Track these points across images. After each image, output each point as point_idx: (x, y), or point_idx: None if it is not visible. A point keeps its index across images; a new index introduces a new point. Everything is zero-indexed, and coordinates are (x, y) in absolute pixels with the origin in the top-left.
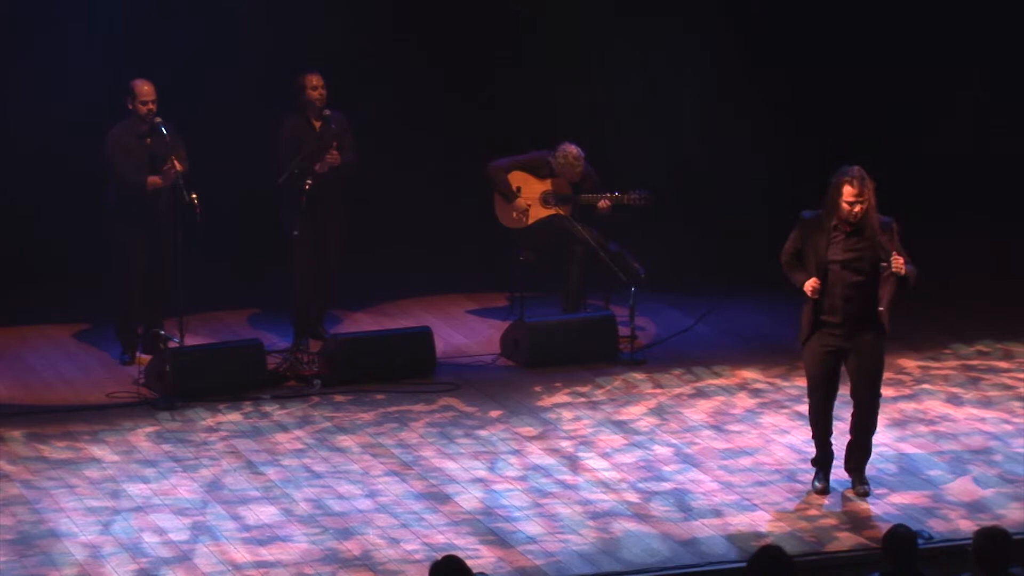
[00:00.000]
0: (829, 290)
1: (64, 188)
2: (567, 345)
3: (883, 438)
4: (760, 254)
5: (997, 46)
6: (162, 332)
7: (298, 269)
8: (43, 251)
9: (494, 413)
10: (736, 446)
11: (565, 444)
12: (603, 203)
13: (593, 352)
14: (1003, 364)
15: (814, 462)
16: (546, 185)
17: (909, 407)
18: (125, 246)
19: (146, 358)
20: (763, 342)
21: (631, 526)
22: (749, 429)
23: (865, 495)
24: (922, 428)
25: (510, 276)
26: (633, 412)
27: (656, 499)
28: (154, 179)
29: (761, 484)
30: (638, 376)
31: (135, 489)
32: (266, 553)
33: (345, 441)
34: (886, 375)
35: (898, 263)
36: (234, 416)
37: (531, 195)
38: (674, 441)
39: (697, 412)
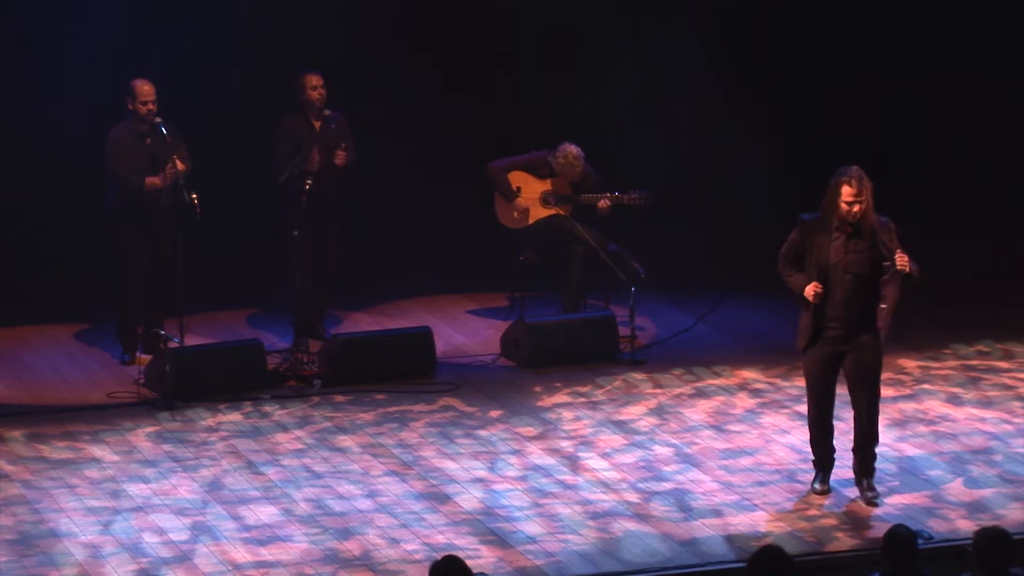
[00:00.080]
0: (831, 292)
1: (64, 188)
2: (567, 345)
3: (883, 438)
4: (760, 254)
5: (997, 46)
6: (162, 332)
7: (298, 269)
8: (43, 251)
9: (494, 413)
10: (736, 446)
11: (565, 444)
12: (603, 203)
13: (593, 352)
14: (1003, 364)
15: (814, 463)
16: (546, 185)
17: (909, 407)
18: (125, 246)
19: (146, 358)
20: (763, 342)
21: (631, 526)
22: (749, 429)
23: (874, 501)
24: (922, 428)
25: (510, 276)
26: (633, 412)
27: (656, 499)
28: (152, 180)
29: (761, 484)
30: (638, 376)
31: (135, 489)
32: (266, 553)
33: (345, 441)
34: (886, 375)
35: (903, 260)
36: (234, 416)
37: (531, 195)
38: (674, 441)
39: (697, 412)
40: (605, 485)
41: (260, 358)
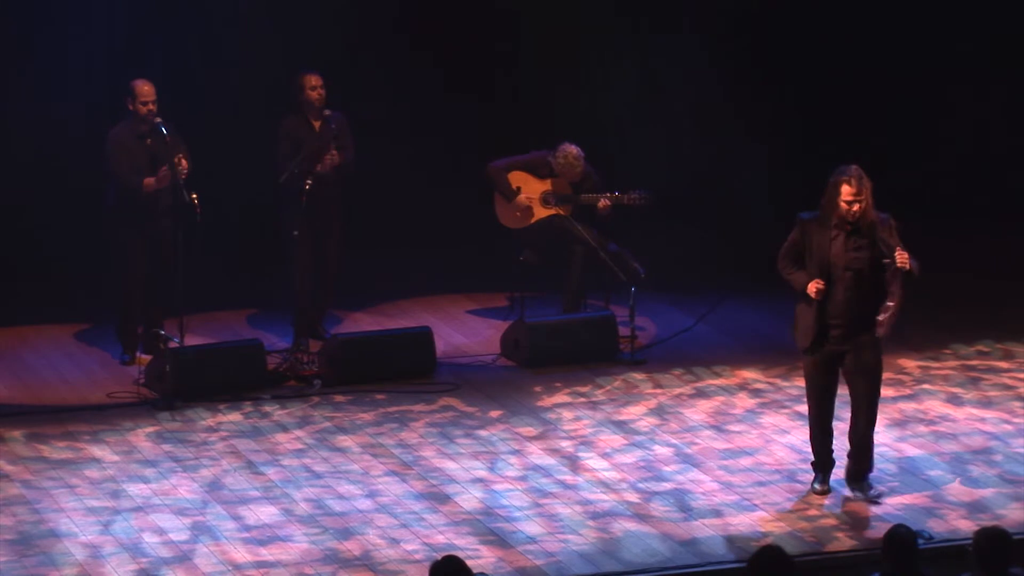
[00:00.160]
0: (832, 290)
1: (64, 188)
2: (567, 345)
3: (883, 438)
4: (760, 254)
5: (997, 46)
6: (162, 332)
7: (298, 269)
8: (44, 251)
9: (494, 413)
10: (736, 446)
11: (565, 444)
12: (603, 203)
13: (593, 352)
14: (1003, 364)
15: (814, 465)
16: (546, 185)
17: (909, 407)
18: (125, 246)
19: (146, 358)
20: (763, 342)
21: (631, 526)
22: (749, 429)
23: (876, 499)
24: (922, 428)
25: (510, 276)
26: (633, 412)
27: (656, 499)
28: (148, 181)
29: (761, 484)
30: (638, 376)
31: (135, 489)
32: (266, 553)
33: (345, 441)
34: (886, 375)
35: (902, 258)
36: (234, 416)
37: (531, 195)
38: (674, 441)
39: (697, 412)
40: (605, 485)
41: (260, 358)
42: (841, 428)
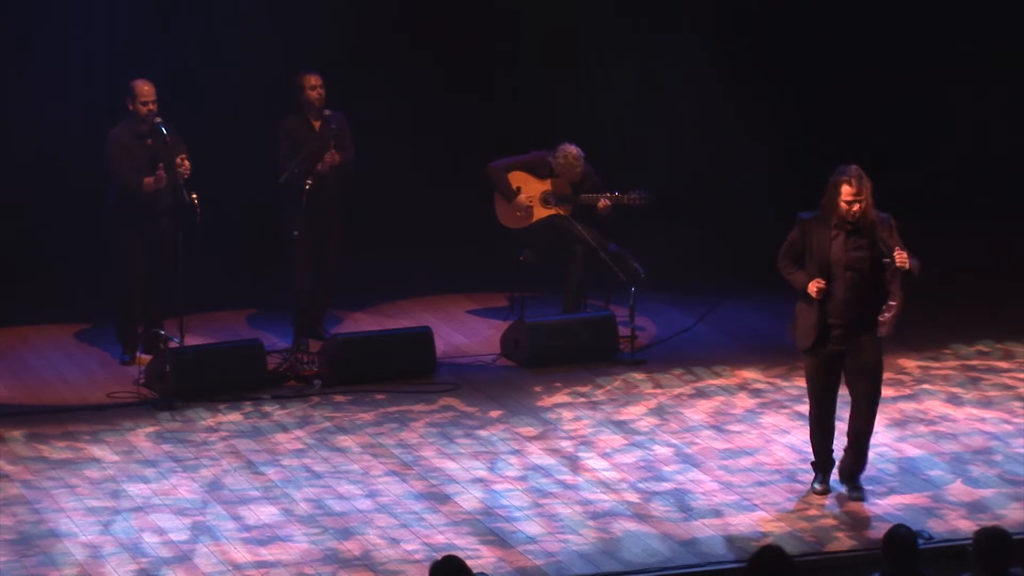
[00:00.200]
0: (832, 290)
1: (64, 188)
2: (567, 345)
3: (883, 438)
4: (760, 254)
5: (997, 46)
6: (162, 332)
7: (298, 269)
8: (43, 251)
9: (494, 413)
10: (736, 446)
11: (565, 444)
12: (603, 203)
13: (593, 352)
14: (1003, 364)
15: (814, 464)
16: (546, 185)
17: (909, 407)
18: (125, 246)
19: (146, 358)
20: (763, 342)
21: (631, 526)
22: (749, 429)
23: (861, 498)
24: (922, 428)
25: (510, 276)
26: (633, 412)
27: (656, 499)
28: (147, 180)
29: (761, 484)
30: (638, 376)
31: (135, 489)
32: (266, 553)
33: (345, 441)
34: (886, 375)
35: (901, 257)
36: (234, 416)
37: (531, 195)
38: (674, 441)
39: (697, 412)
40: (605, 485)
41: (260, 358)
42: (841, 428)
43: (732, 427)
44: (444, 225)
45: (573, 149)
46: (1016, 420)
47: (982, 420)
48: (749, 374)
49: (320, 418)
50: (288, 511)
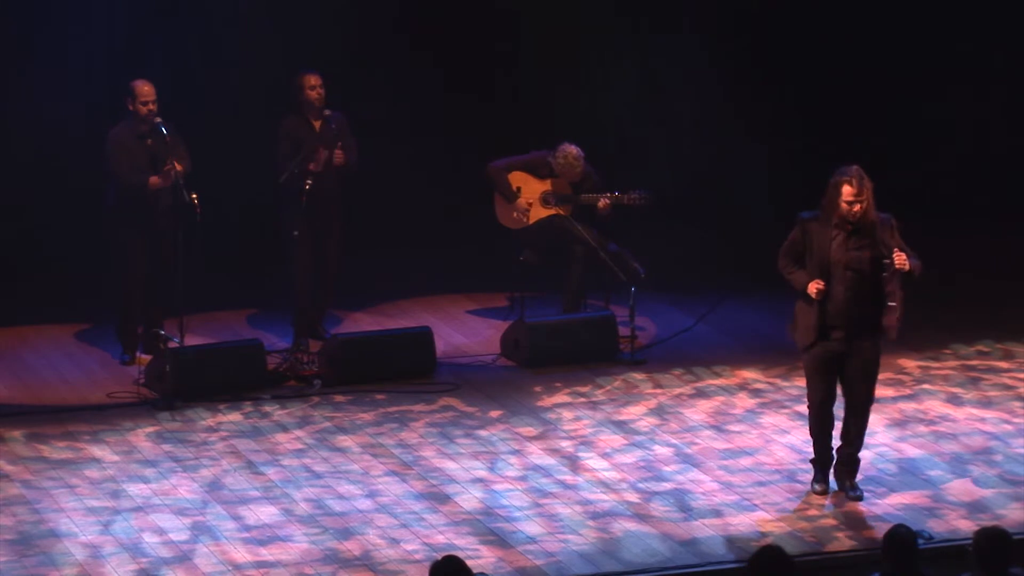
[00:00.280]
0: (832, 290)
1: (64, 188)
2: (567, 345)
3: (883, 438)
4: (760, 254)
5: (997, 46)
6: (162, 332)
7: (298, 269)
8: (43, 251)
9: (494, 413)
10: (736, 446)
11: (565, 444)
12: (603, 203)
13: (593, 352)
14: (1003, 364)
15: (814, 463)
16: (546, 185)
17: (909, 407)
18: (125, 246)
19: (146, 358)
20: (763, 342)
21: (631, 526)
22: (749, 429)
23: (858, 497)
24: (922, 428)
25: (510, 276)
26: (633, 412)
27: (656, 499)
28: (154, 179)
29: (761, 484)
30: (638, 376)
31: (135, 489)
32: (266, 553)
33: (345, 441)
34: (886, 375)
35: (900, 259)
36: (234, 416)
37: (531, 195)
38: (674, 441)
39: (697, 412)
40: (605, 485)
41: (260, 358)
42: (836, 427)
43: (732, 427)
44: (444, 225)
45: (573, 149)
46: (1016, 420)
47: (982, 420)
48: (749, 374)
49: (320, 418)
50: (288, 511)
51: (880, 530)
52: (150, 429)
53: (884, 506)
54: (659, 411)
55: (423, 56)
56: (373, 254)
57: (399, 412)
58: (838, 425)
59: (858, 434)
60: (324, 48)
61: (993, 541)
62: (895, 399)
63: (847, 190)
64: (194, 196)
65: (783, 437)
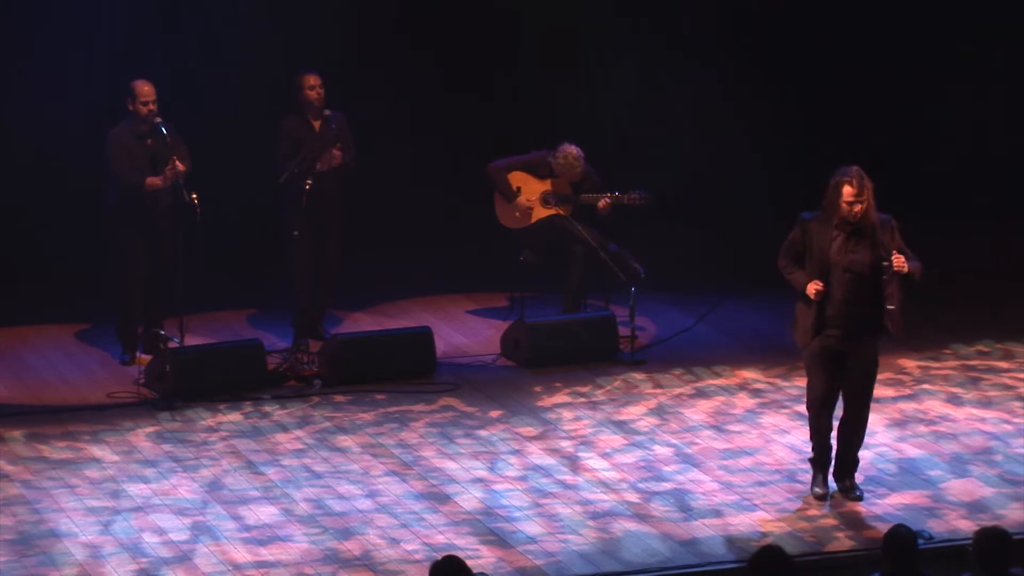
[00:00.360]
0: (831, 291)
1: (64, 188)
2: (567, 345)
3: (883, 438)
4: (760, 254)
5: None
6: (162, 332)
7: (298, 269)
8: (43, 251)
9: (494, 413)
10: (736, 446)
11: (565, 444)
12: (603, 203)
13: (593, 352)
14: (1003, 364)
15: (813, 463)
16: (546, 185)
17: (909, 407)
18: (125, 246)
19: (146, 358)
20: (763, 342)
21: (631, 526)
22: (749, 429)
23: (859, 496)
24: (922, 428)
25: (510, 276)
26: (633, 412)
27: (656, 499)
28: (153, 180)
29: (761, 484)
30: (638, 376)
31: (135, 489)
32: (266, 553)
33: (345, 441)
34: (886, 375)
35: (899, 261)
36: (234, 416)
37: (531, 195)
38: (674, 441)
39: (697, 412)
40: (605, 485)
41: (260, 358)
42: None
43: (732, 427)
44: (444, 225)
45: (573, 149)
46: (1016, 420)
47: (982, 420)
48: (749, 374)
49: (320, 418)
50: (288, 511)
51: (880, 530)
52: (150, 429)
53: (884, 506)
54: (659, 411)
55: (423, 56)
56: (373, 254)
57: (399, 412)
58: (838, 425)
59: (857, 434)
60: (324, 48)
61: (993, 541)
62: (895, 399)
63: (847, 190)
64: (194, 196)
65: (783, 437)
